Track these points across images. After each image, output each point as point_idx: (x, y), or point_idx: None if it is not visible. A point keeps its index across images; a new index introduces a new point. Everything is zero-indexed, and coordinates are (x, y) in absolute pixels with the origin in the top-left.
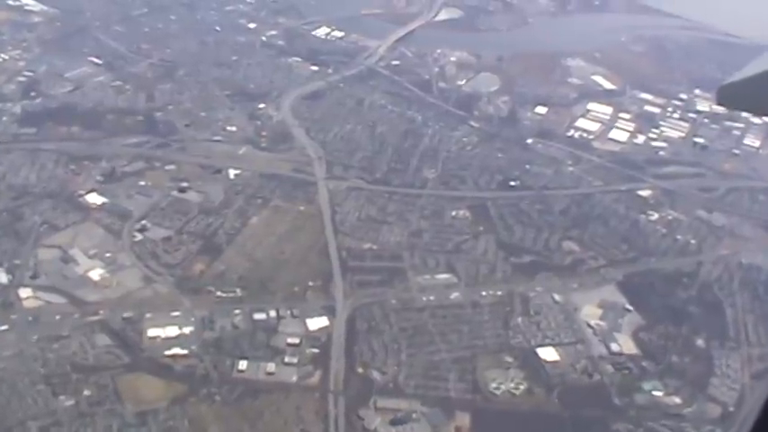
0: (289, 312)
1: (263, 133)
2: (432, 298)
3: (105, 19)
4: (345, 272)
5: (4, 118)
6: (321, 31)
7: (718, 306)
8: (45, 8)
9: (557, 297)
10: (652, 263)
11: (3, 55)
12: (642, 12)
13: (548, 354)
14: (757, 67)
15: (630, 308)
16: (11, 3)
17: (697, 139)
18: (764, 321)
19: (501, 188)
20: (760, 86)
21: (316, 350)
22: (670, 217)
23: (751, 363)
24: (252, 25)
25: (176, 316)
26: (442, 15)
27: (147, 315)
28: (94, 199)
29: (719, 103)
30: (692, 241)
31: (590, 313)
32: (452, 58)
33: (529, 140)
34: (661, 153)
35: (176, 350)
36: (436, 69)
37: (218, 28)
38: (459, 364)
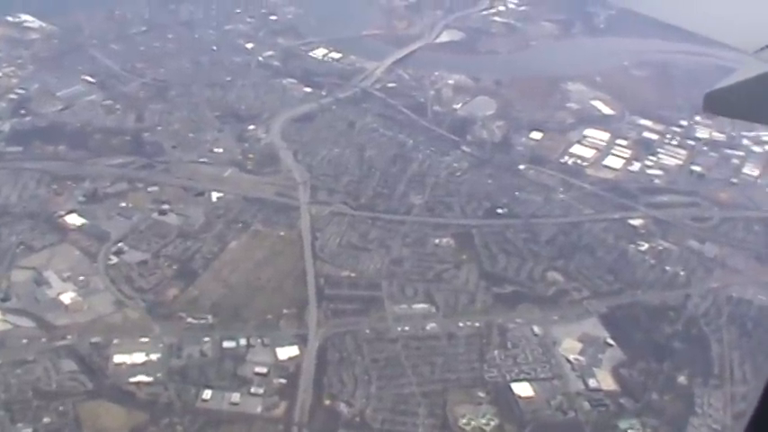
0: (259, 341)
1: (250, 156)
2: (407, 328)
3: (103, 37)
4: (321, 300)
5: None
6: (318, 52)
7: (703, 341)
8: (44, 25)
9: (536, 329)
10: (638, 295)
11: None
12: (648, 36)
13: (522, 389)
14: (742, 74)
15: (612, 342)
16: (10, 19)
17: (694, 168)
18: (751, 358)
19: (488, 216)
20: (745, 93)
21: (283, 380)
22: (660, 247)
23: (734, 402)
24: (249, 45)
25: (144, 342)
26: (443, 37)
27: (115, 341)
28: (74, 220)
29: (706, 110)
30: (682, 273)
31: (569, 347)
32: (450, 81)
33: (521, 167)
34: (656, 181)
35: (141, 377)
36: (432, 92)
37: (214, 47)
38: (430, 399)
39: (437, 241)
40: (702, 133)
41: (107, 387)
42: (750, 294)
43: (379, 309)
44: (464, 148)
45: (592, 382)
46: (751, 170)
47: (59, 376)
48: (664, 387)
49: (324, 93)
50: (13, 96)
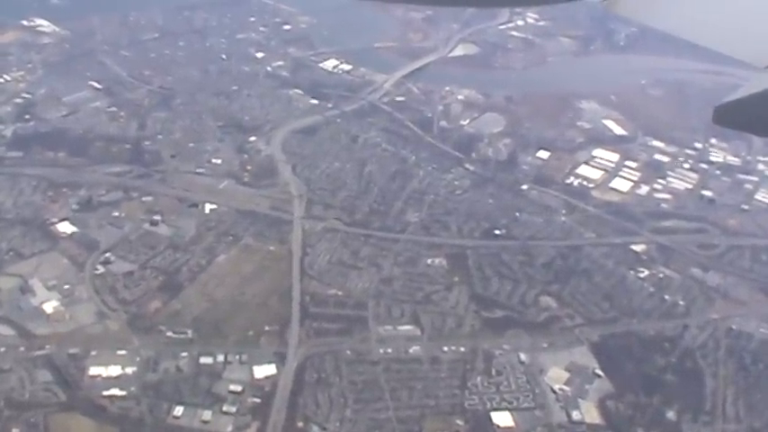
0: (237, 358)
1: (248, 167)
2: (389, 351)
3: (114, 43)
4: (305, 318)
5: None
6: (329, 64)
7: (697, 375)
8: (57, 29)
9: (523, 357)
10: (633, 324)
11: (5, 76)
12: (668, 54)
13: (502, 419)
14: (752, 88)
15: (601, 373)
16: (25, 23)
17: (704, 192)
18: (746, 395)
19: (484, 237)
20: (754, 106)
21: (257, 399)
22: (661, 275)
23: None
24: (259, 55)
25: (122, 355)
26: (458, 51)
27: (93, 352)
28: (65, 228)
29: (716, 122)
30: (681, 302)
31: (556, 376)
32: (460, 97)
33: (524, 186)
34: (663, 205)
35: (114, 391)
36: (440, 107)
37: (223, 56)
38: (406, 425)
39: (430, 261)
40: (716, 157)
41: (80, 399)
42: (752, 327)
43: (363, 329)
44: (467, 165)
45: (575, 414)
46: (764, 196)
47: (33, 387)
48: (651, 422)
49: (330, 105)
50: (19, 101)
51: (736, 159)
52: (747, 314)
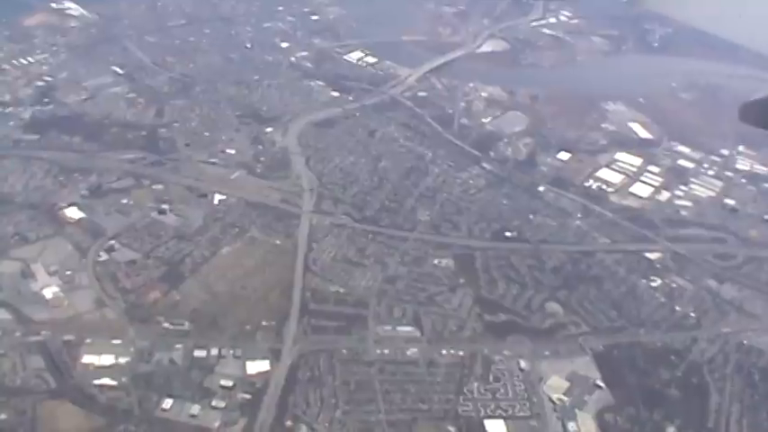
0: (231, 352)
1: (262, 159)
2: (386, 351)
3: (140, 28)
4: (304, 314)
5: (11, 123)
6: (354, 56)
7: (703, 390)
8: (85, 13)
9: (523, 364)
10: (640, 335)
11: (29, 58)
12: (704, 56)
13: (495, 427)
14: None
15: (601, 384)
16: (54, 6)
17: (727, 201)
18: (752, 413)
19: (495, 238)
20: None
21: (248, 396)
22: (674, 285)
23: None
24: (284, 44)
25: (116, 344)
26: (487, 47)
27: (88, 340)
28: (73, 213)
29: (741, 120)
30: (692, 314)
31: (555, 385)
32: (483, 94)
33: (540, 188)
34: (683, 213)
35: (106, 380)
36: (463, 104)
37: (248, 45)
38: (396, 429)
39: (436, 262)
40: (743, 165)
41: (70, 387)
42: (764, 343)
43: (361, 328)
44: (484, 164)
45: (571, 426)
46: None
47: (25, 373)
48: None
49: (351, 98)
50: (40, 83)
51: (764, 168)
52: (760, 329)
